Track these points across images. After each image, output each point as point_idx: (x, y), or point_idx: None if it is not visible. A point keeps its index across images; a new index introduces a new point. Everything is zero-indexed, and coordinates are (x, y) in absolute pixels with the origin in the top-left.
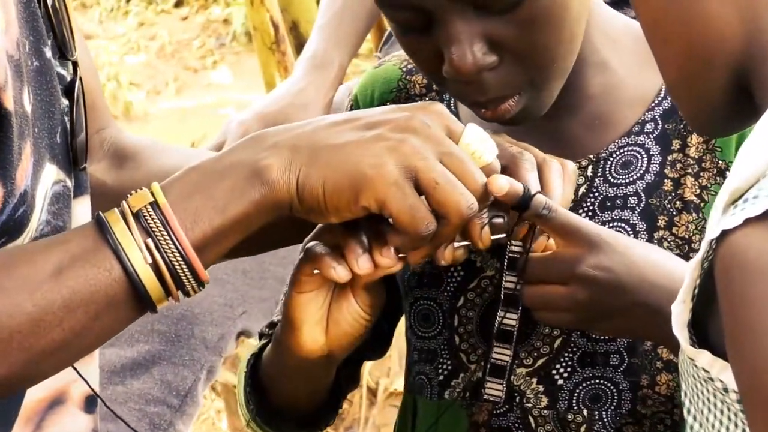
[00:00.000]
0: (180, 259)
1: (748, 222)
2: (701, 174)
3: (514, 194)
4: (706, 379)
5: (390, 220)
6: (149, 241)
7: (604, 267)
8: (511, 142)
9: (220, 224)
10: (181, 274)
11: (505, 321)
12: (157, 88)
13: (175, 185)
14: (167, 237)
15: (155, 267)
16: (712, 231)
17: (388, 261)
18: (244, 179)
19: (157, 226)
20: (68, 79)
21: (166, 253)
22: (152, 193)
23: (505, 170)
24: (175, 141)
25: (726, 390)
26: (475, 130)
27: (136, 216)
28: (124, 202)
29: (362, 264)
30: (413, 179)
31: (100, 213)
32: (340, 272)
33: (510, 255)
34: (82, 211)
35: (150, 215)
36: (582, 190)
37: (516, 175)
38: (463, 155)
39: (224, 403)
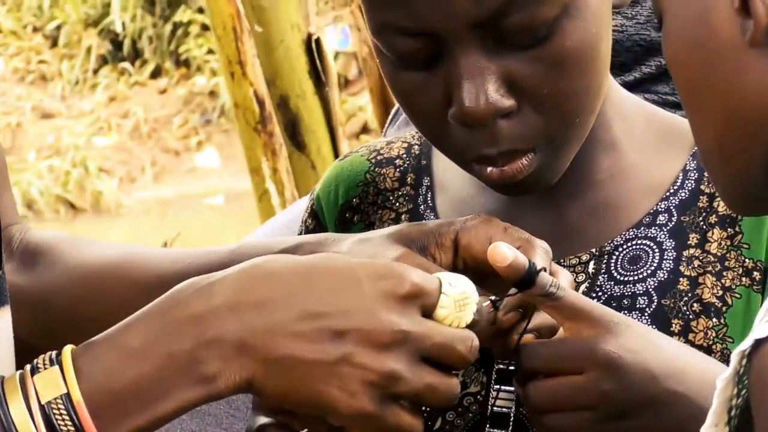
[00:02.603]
0: None
1: None
2: (724, 273)
3: (517, 266)
4: None
5: None
6: None
7: (628, 348)
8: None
9: (145, 423)
10: None
11: None
12: (132, 174)
13: (94, 368)
14: None
15: None
16: (746, 341)
17: None
18: (180, 378)
19: (68, 429)
20: None
21: None
22: (65, 379)
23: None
24: (151, 238)
25: None
26: (451, 287)
27: (44, 409)
28: (30, 381)
29: None
30: (392, 398)
31: (1, 388)
32: None
33: (499, 367)
34: (2, 326)
35: (61, 414)
36: (583, 288)
37: (526, 255)
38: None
39: None
